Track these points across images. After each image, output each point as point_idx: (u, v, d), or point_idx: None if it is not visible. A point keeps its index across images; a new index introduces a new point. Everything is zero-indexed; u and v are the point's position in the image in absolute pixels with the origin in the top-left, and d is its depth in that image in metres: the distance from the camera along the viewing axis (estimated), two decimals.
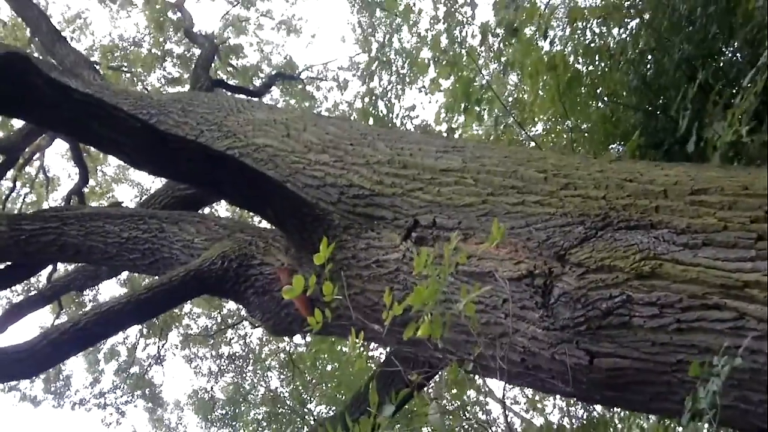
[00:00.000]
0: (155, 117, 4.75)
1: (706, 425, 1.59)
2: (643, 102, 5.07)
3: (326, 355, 11.91)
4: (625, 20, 5.66)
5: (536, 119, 7.06)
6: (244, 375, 14.45)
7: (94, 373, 13.43)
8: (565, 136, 6.14)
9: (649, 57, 5.13)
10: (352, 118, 10.09)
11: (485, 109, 5.61)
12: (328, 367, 12.75)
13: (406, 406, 6.97)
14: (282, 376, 14.15)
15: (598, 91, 5.63)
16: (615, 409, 6.29)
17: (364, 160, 3.25)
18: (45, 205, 11.50)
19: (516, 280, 2.25)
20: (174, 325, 13.02)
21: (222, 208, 11.55)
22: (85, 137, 2.71)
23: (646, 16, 5.32)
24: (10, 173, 9.79)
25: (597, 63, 5.64)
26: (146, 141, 2.65)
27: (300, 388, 13.66)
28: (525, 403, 12.70)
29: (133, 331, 12.34)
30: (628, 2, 5.64)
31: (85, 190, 9.50)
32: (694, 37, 4.55)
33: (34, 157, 10.70)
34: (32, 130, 7.02)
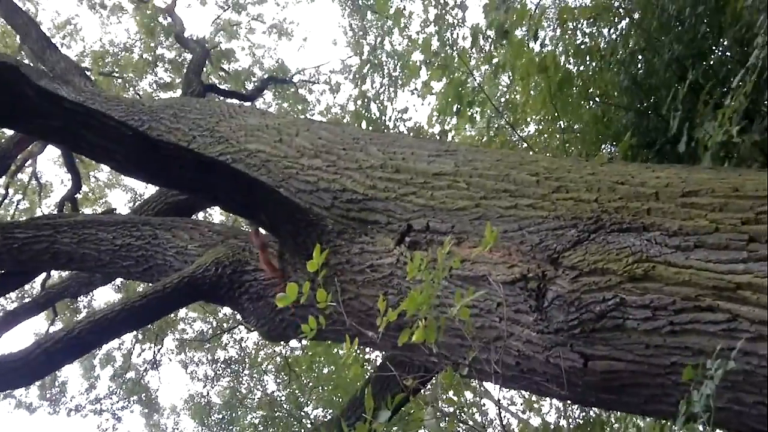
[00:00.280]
0: (147, 123, 4.74)
1: (701, 427, 1.59)
2: (634, 102, 5.09)
3: (322, 358, 11.91)
4: (615, 20, 5.69)
5: (529, 119, 7.09)
6: (240, 379, 14.43)
7: (90, 379, 13.39)
8: (557, 136, 6.16)
9: (640, 57, 5.16)
10: (345, 120, 10.09)
11: (477, 111, 5.62)
12: (325, 370, 12.73)
13: (403, 409, 6.96)
14: (278, 380, 14.14)
15: (590, 91, 5.66)
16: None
17: (357, 165, 3.25)
18: (38, 212, 11.47)
19: (510, 283, 2.25)
20: (169, 329, 12.99)
21: (216, 213, 11.53)
22: (76, 146, 2.70)
23: (636, 16, 5.35)
24: (2, 180, 9.78)
25: (588, 63, 5.66)
26: (137, 149, 2.64)
27: (296, 391, 13.65)
28: (522, 404, 12.72)
29: (129, 336, 12.31)
30: (618, 2, 5.66)
31: (78, 196, 9.47)
32: (684, 37, 4.57)
33: (27, 164, 10.66)
34: (24, 136, 6.97)
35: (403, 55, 8.26)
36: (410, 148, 3.22)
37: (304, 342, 10.67)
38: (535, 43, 5.48)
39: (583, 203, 2.25)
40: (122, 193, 18.49)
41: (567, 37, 6.07)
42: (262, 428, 14.43)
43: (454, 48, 6.06)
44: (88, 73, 8.64)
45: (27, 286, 10.00)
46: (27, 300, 9.21)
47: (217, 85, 11.41)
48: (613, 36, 5.73)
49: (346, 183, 3.19)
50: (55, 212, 9.17)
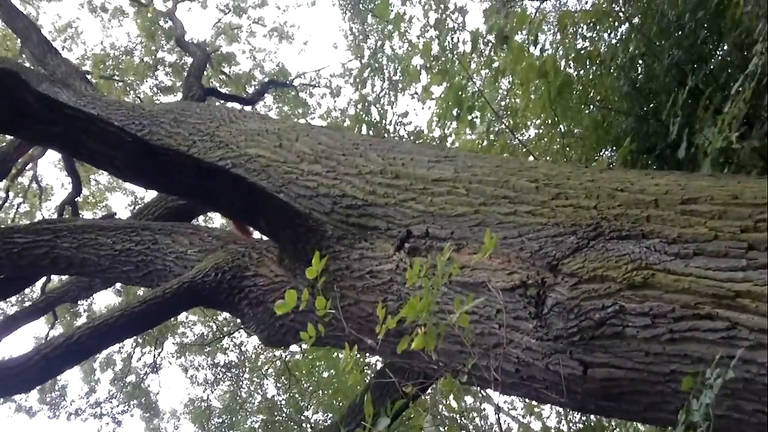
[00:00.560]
0: (147, 128, 4.74)
1: None
2: (634, 107, 5.09)
3: (322, 362, 11.90)
4: (615, 25, 5.69)
5: (529, 123, 7.09)
6: (240, 383, 14.42)
7: (90, 383, 13.39)
8: (557, 140, 6.16)
9: (640, 62, 5.16)
10: (345, 124, 10.10)
11: (477, 116, 5.62)
12: (325, 375, 12.72)
13: (403, 415, 6.95)
14: (278, 384, 14.12)
15: (590, 96, 5.66)
16: None
17: (357, 170, 3.25)
18: (38, 215, 11.48)
19: (509, 290, 2.25)
20: (170, 333, 12.99)
21: (216, 218, 11.54)
22: (76, 152, 2.70)
23: (636, 21, 5.35)
24: (2, 184, 9.78)
25: (588, 68, 5.66)
26: (137, 154, 2.64)
27: (296, 395, 13.63)
28: (522, 408, 12.70)
29: (129, 339, 12.29)
30: (618, 7, 5.67)
31: (79, 199, 9.48)
32: (684, 42, 4.58)
33: (27, 167, 10.68)
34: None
35: (404, 59, 8.27)
36: (410, 153, 3.22)
37: (304, 346, 10.66)
38: (535, 47, 5.49)
39: (583, 210, 2.25)
40: (123, 197, 18.50)
41: (567, 41, 6.08)
42: None
43: (455, 52, 6.06)
44: (89, 77, 8.68)
45: (27, 290, 10.00)
46: (27, 304, 9.21)
47: (218, 88, 11.44)
48: (613, 41, 5.74)
49: (345, 188, 3.19)
50: (56, 215, 9.17)
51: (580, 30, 6.09)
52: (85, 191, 11.43)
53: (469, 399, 11.71)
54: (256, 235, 3.72)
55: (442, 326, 2.09)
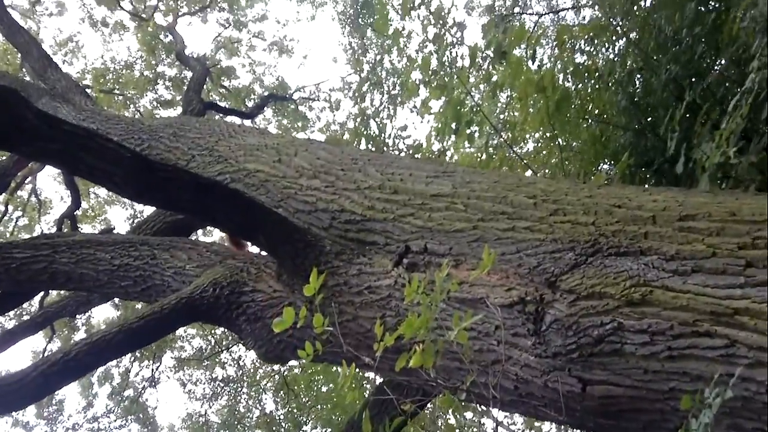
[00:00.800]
0: (147, 142, 4.75)
1: None
2: (632, 122, 5.11)
3: (321, 377, 11.85)
4: (613, 40, 5.72)
5: (527, 137, 7.11)
6: (238, 398, 14.34)
7: (88, 397, 13.31)
8: (556, 154, 6.17)
9: (637, 77, 5.18)
10: (344, 137, 10.12)
11: (476, 130, 5.64)
12: (323, 389, 12.66)
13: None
14: (277, 399, 14.04)
15: (588, 110, 5.68)
16: None
17: (355, 186, 3.25)
18: (37, 228, 11.49)
19: (507, 306, 2.24)
20: (168, 347, 12.93)
21: (215, 232, 11.52)
22: (76, 169, 2.70)
23: (633, 36, 5.38)
24: (2, 197, 9.79)
25: (586, 83, 5.69)
26: (136, 170, 2.64)
27: (295, 410, 13.55)
28: (522, 423, 12.63)
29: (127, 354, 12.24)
30: (615, 22, 5.70)
31: (78, 213, 9.48)
32: (681, 57, 4.60)
33: (26, 181, 10.70)
34: None
35: (403, 74, 8.31)
36: (408, 169, 3.23)
37: (302, 361, 10.62)
38: (534, 62, 5.52)
39: (581, 226, 2.25)
40: (122, 210, 18.52)
41: (565, 56, 6.11)
42: None
43: (453, 67, 6.09)
44: (89, 91, 8.70)
45: (25, 305, 9.96)
46: (25, 318, 9.18)
47: (218, 102, 11.47)
48: (611, 56, 5.77)
49: (344, 203, 3.19)
50: (55, 229, 9.17)
51: (578, 45, 6.12)
52: (84, 204, 11.43)
53: (468, 414, 11.65)
54: (253, 249, 3.72)
55: (440, 343, 2.09)
